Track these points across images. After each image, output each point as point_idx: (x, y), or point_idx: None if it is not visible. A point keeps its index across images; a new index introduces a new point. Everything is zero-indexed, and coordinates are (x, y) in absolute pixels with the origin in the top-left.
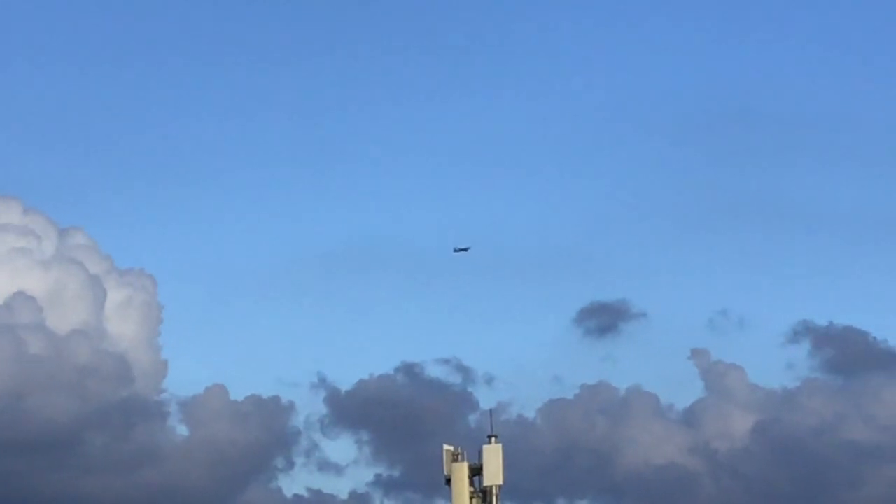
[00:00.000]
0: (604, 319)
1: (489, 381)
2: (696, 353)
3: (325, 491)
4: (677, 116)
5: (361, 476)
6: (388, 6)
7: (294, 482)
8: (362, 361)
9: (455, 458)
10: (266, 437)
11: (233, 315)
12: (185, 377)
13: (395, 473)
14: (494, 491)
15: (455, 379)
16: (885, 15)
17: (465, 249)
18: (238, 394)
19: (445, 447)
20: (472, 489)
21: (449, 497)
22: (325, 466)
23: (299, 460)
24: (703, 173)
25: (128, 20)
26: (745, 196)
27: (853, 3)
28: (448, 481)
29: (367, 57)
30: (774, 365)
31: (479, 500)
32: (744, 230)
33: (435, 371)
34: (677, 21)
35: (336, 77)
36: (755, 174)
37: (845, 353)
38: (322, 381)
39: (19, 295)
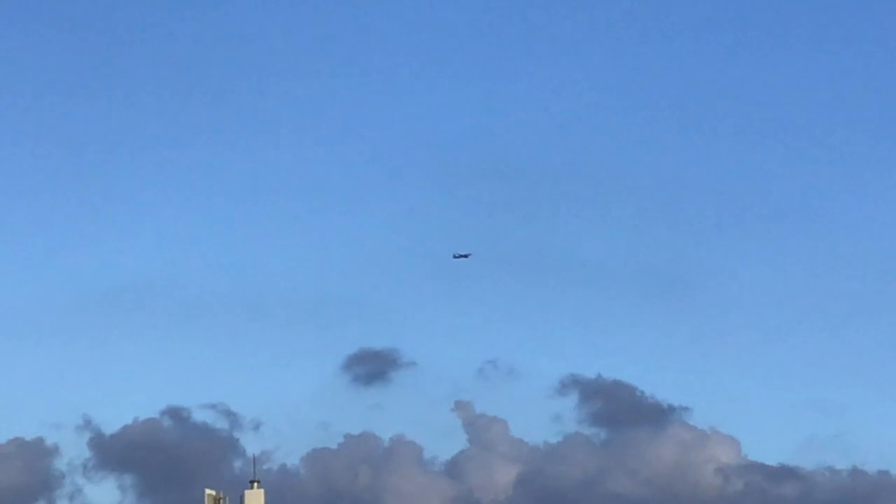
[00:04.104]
0: (373, 367)
1: (256, 426)
2: (460, 405)
3: None
4: (449, 166)
5: None
6: (171, 53)
7: None
8: (128, 404)
9: (217, 502)
10: (28, 479)
11: None
12: None
13: None
14: None
15: (222, 424)
16: (654, 71)
17: (466, 256)
18: (0, 436)
19: (207, 492)
20: None
21: None
22: None
23: None
24: (474, 223)
25: None
26: (517, 247)
27: (623, 60)
28: None
29: (143, 97)
30: (542, 416)
31: None
32: (514, 281)
33: (201, 416)
34: (449, 73)
35: (109, 116)
36: (527, 225)
37: (612, 406)
38: (87, 424)
39: None
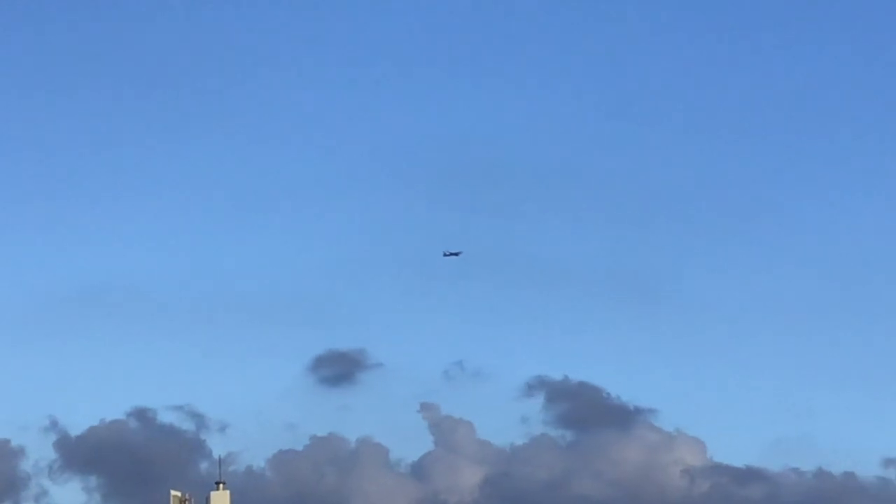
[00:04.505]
0: (339, 368)
1: (223, 428)
2: (426, 407)
3: None
4: (418, 168)
5: None
6: (136, 51)
7: None
8: (94, 406)
9: (182, 503)
10: None
11: None
12: None
13: None
14: None
15: (188, 425)
16: (627, 75)
17: (457, 254)
18: None
19: (173, 493)
20: None
21: None
22: None
23: None
24: (442, 225)
25: None
26: (485, 249)
27: (596, 64)
28: None
29: (112, 100)
30: (508, 418)
31: None
32: (483, 282)
33: (168, 417)
34: (421, 74)
35: (77, 118)
36: (495, 227)
37: (579, 407)
38: (53, 426)
39: None
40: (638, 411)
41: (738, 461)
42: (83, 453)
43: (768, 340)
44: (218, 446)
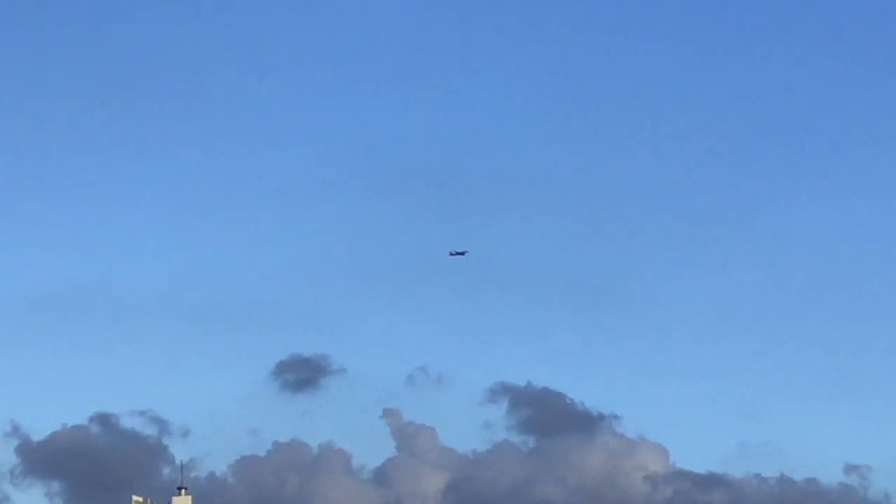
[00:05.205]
0: (302, 373)
1: (185, 433)
2: (388, 413)
3: None
4: (381, 173)
5: None
6: (100, 57)
7: None
8: (56, 411)
9: None
10: None
11: None
12: None
13: None
14: None
15: (151, 430)
16: (588, 81)
17: (462, 253)
18: None
19: (135, 498)
20: None
21: None
22: None
23: None
24: (407, 229)
25: None
26: (447, 254)
27: (557, 70)
28: None
29: (73, 105)
30: (471, 423)
31: None
32: (446, 288)
33: (130, 422)
34: (383, 79)
35: (38, 120)
36: (458, 233)
37: (542, 413)
38: (15, 430)
39: None
40: (601, 417)
41: (701, 467)
42: (45, 458)
43: (731, 347)
44: (180, 452)
